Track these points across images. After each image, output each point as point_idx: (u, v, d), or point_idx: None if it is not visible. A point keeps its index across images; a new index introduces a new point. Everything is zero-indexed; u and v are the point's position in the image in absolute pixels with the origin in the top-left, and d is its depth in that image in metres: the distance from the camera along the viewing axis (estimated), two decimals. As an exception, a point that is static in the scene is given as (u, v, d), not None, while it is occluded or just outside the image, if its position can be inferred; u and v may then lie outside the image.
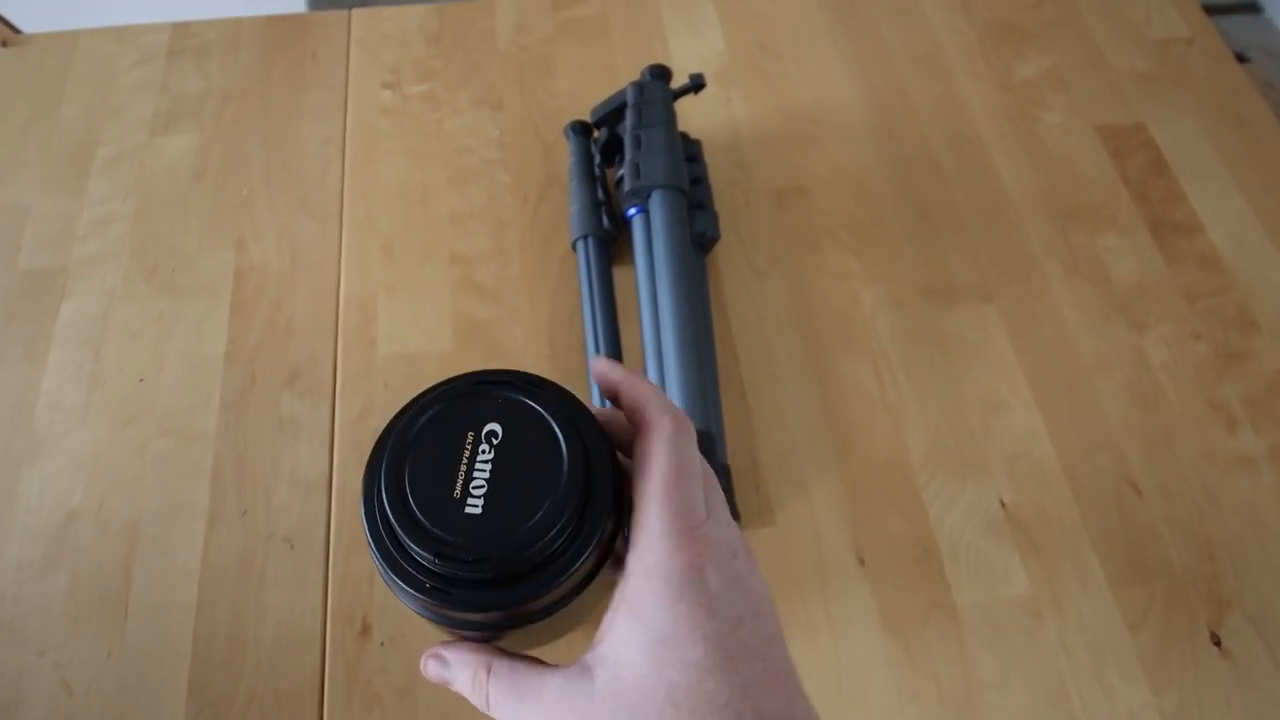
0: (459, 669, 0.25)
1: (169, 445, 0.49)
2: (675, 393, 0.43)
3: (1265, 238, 0.59)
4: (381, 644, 0.44)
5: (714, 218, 0.53)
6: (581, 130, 0.57)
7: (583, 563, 0.24)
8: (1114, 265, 0.58)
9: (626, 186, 0.49)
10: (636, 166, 0.49)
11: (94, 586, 0.45)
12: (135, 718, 0.42)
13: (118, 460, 0.49)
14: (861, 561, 0.46)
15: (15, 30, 0.71)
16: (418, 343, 0.52)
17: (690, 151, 0.56)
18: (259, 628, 0.44)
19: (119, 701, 0.42)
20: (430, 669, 0.26)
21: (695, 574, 0.22)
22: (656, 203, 0.49)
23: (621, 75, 0.65)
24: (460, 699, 0.39)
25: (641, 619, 0.22)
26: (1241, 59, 2.03)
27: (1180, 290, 0.57)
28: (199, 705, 0.42)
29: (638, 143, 0.50)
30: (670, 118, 0.52)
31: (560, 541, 0.24)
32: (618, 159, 0.54)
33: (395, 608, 0.44)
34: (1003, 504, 0.48)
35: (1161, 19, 0.72)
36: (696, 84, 0.56)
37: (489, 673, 0.25)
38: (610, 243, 0.53)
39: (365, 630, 0.44)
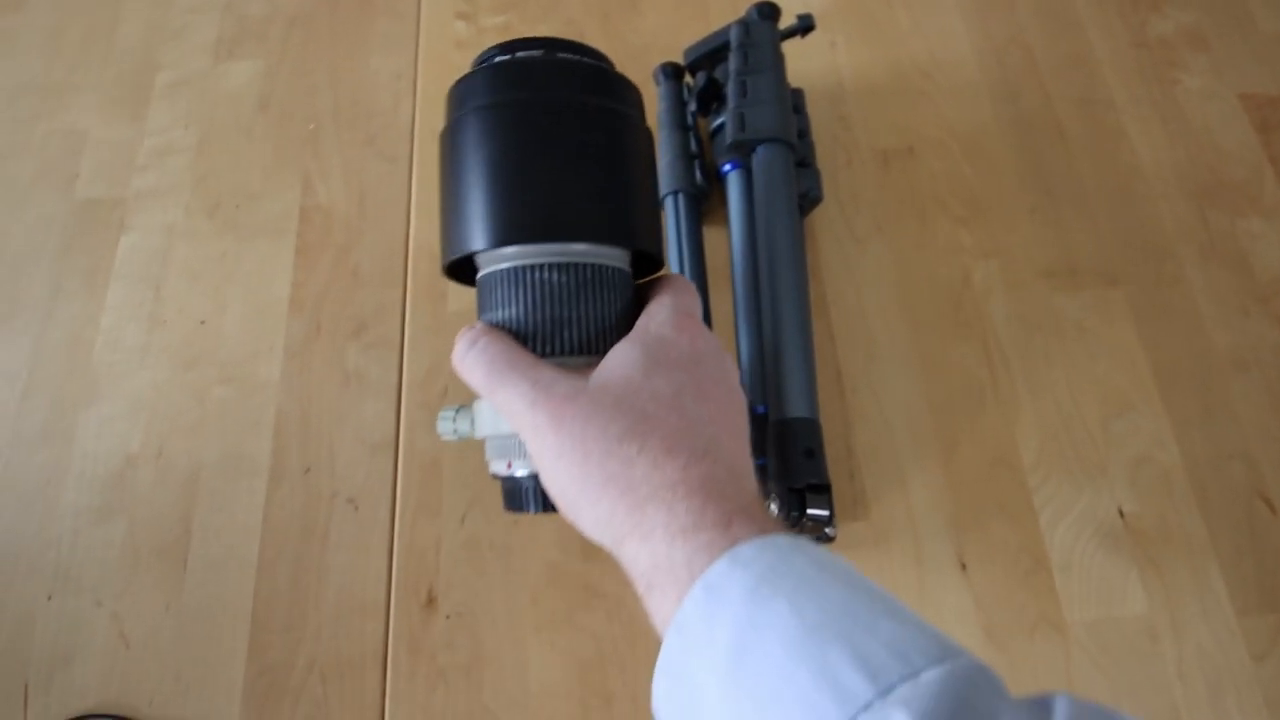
0: (462, 335, 0.29)
1: (230, 393, 0.47)
2: (781, 371, 0.39)
3: None
4: (447, 617, 0.42)
5: (818, 176, 0.48)
6: (673, 73, 0.52)
7: None
8: (1256, 253, 0.52)
9: (729, 138, 0.45)
10: (741, 116, 0.44)
11: (152, 537, 0.43)
12: (193, 675, 0.40)
13: (178, 406, 0.46)
14: (963, 567, 0.42)
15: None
16: (490, 299, 0.49)
17: (794, 101, 0.51)
18: (320, 592, 0.42)
19: (175, 657, 0.41)
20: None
21: (689, 336, 0.29)
22: (762, 158, 0.44)
23: (715, 15, 0.59)
24: (528, 680, 0.36)
25: (643, 344, 0.28)
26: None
27: (1330, 285, 0.51)
28: (259, 668, 0.40)
29: (743, 90, 0.45)
30: (780, 63, 0.47)
31: None
32: (715, 107, 0.49)
33: (463, 581, 0.42)
34: (1121, 514, 0.44)
35: (1319, -27, 0.64)
36: (805, 25, 0.50)
37: (490, 336, 0.28)
38: (702, 200, 0.49)
39: (431, 602, 0.42)
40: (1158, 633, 0.41)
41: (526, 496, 0.30)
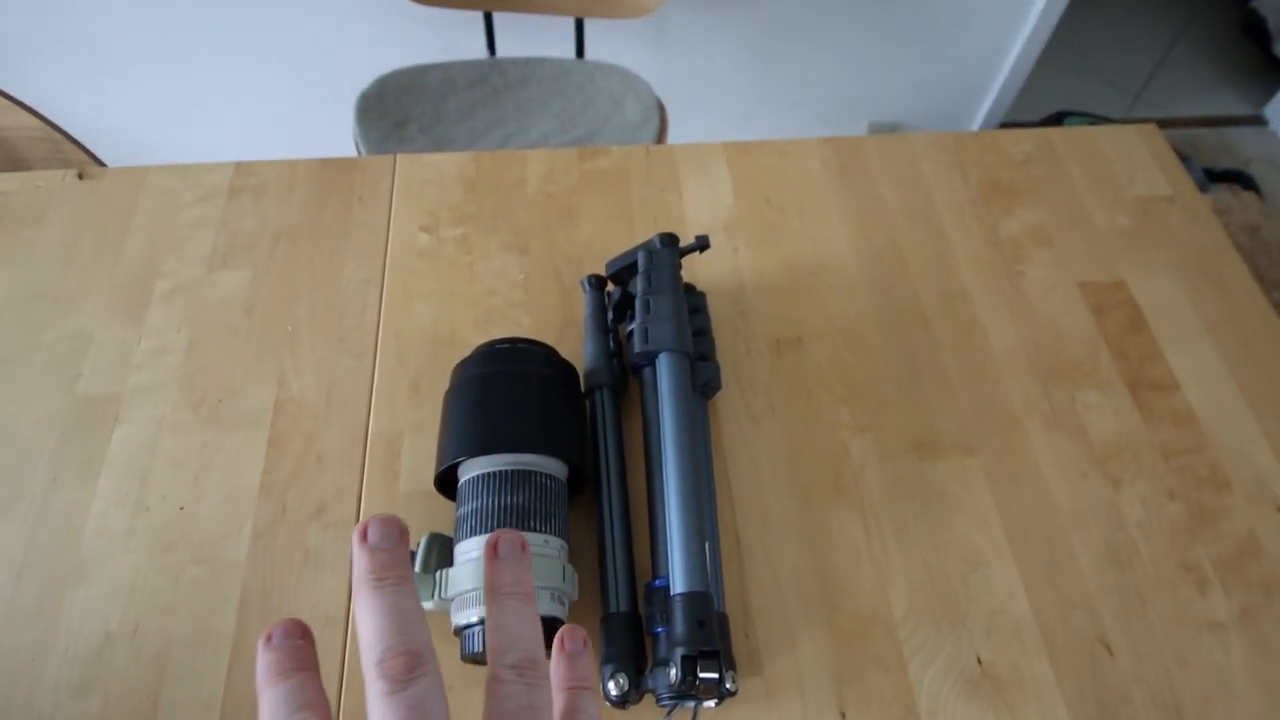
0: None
1: (201, 573, 0.53)
2: (676, 550, 0.47)
3: (1239, 397, 0.63)
4: (387, 779, 0.46)
5: (717, 369, 0.58)
6: (597, 284, 0.62)
7: None
8: (1093, 422, 0.61)
9: (636, 348, 0.54)
10: (645, 330, 0.54)
11: (123, 712, 0.48)
12: (154, 843, 0.45)
13: (154, 586, 0.53)
14: (843, 715, 0.49)
15: (100, 163, 0.78)
16: (437, 479, 0.57)
17: (695, 304, 0.61)
18: (274, 757, 0.47)
19: (140, 826, 0.45)
20: None
21: None
22: (663, 365, 0.53)
23: (639, 224, 0.71)
24: None
25: None
26: (1244, 174, 2.09)
27: (1156, 448, 0.60)
28: (214, 834, 0.45)
29: (647, 307, 0.55)
30: (677, 284, 0.57)
31: None
32: (629, 314, 0.59)
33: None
34: (979, 661, 0.51)
35: (1144, 176, 0.77)
36: (701, 245, 0.61)
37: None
38: (622, 390, 0.58)
39: (373, 764, 0.47)
40: (1016, 772, 0.47)
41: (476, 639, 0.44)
